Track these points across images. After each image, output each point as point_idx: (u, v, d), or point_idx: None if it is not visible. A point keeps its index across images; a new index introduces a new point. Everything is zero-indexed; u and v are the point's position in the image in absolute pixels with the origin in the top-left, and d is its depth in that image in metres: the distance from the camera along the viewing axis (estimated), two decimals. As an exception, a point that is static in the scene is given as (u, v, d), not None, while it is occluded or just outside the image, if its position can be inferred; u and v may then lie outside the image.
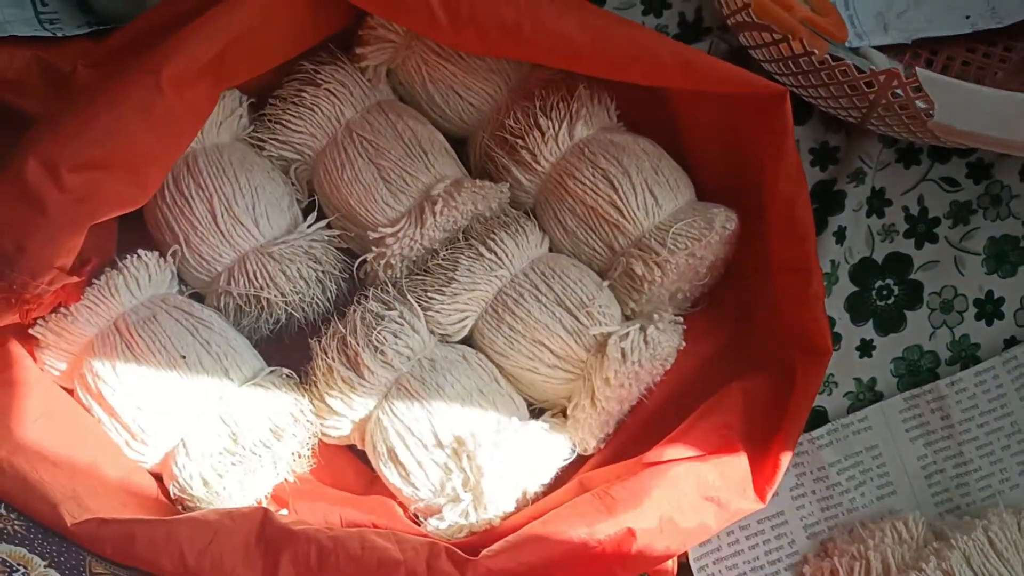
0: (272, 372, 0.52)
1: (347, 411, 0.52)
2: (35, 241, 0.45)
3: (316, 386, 0.52)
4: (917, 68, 0.49)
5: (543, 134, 0.56)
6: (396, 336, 0.52)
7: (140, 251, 0.52)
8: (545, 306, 0.53)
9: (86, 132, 0.46)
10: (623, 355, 0.51)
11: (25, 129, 0.54)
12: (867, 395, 0.61)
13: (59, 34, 0.61)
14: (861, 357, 0.62)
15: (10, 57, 0.57)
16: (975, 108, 0.49)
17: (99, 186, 0.46)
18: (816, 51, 0.53)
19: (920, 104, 0.51)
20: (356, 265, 0.56)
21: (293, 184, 0.58)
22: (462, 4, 0.50)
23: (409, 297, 0.53)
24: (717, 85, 0.52)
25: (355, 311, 0.53)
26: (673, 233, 0.54)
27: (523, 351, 0.54)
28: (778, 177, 0.53)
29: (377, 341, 0.51)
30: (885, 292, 0.63)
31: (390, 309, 0.52)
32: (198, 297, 0.56)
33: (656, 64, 0.51)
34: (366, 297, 0.53)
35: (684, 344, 0.55)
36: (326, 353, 0.52)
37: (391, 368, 0.51)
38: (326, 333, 0.53)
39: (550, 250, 0.57)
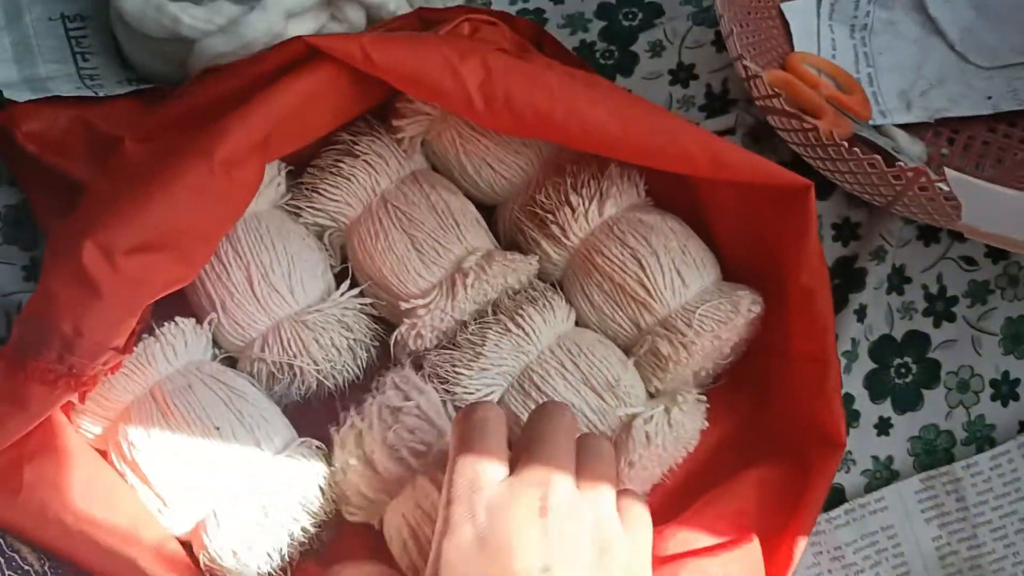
0: (302, 443, 0.53)
1: (363, 503, 0.52)
2: (92, 324, 0.46)
3: (335, 476, 0.52)
4: (946, 168, 0.50)
5: (573, 210, 0.57)
6: (412, 432, 0.51)
7: (177, 319, 0.53)
8: (571, 384, 0.54)
9: (141, 215, 0.47)
10: (647, 438, 0.51)
11: (70, 191, 0.55)
12: (884, 473, 0.62)
13: (100, 92, 0.62)
14: (879, 435, 0.62)
15: (54, 117, 0.58)
16: (1005, 211, 0.50)
17: (153, 268, 0.47)
18: (842, 135, 0.54)
19: (947, 202, 0.51)
20: (393, 340, 0.56)
21: (327, 250, 0.59)
22: (498, 90, 0.51)
23: (435, 378, 0.53)
24: (743, 176, 0.52)
25: (372, 404, 0.52)
26: (699, 315, 0.54)
27: (548, 428, 0.54)
28: (800, 270, 0.53)
29: (394, 439, 0.51)
30: (903, 370, 0.63)
31: (407, 400, 0.52)
32: (231, 360, 0.56)
33: (684, 154, 0.52)
34: (384, 383, 0.53)
35: (707, 425, 0.56)
36: (343, 447, 0.52)
37: (407, 466, 0.51)
38: (344, 425, 0.52)
39: (576, 323, 0.58)
